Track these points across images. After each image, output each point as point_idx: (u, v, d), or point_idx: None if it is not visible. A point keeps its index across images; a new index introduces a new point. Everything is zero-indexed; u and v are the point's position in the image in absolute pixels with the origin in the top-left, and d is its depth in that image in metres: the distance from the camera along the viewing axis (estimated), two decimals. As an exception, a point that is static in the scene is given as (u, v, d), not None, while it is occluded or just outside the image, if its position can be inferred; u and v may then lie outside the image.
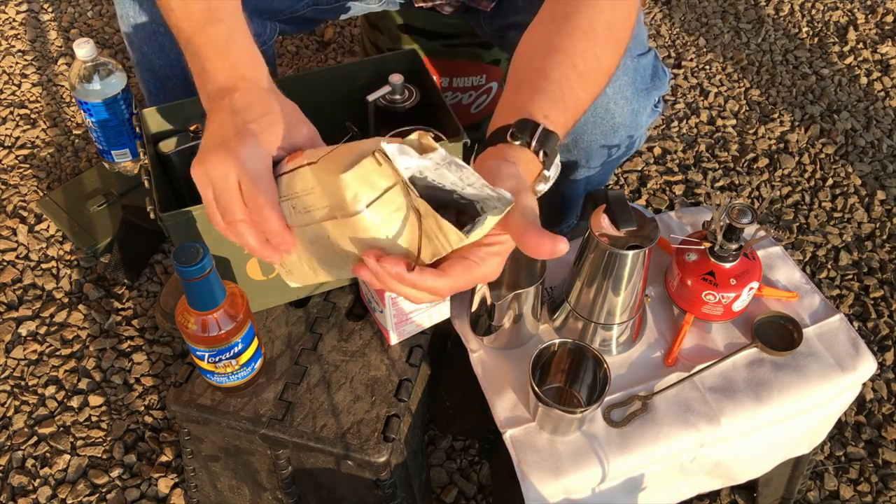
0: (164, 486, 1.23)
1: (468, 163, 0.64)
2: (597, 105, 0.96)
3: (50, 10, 2.07)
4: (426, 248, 0.63)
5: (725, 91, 1.88)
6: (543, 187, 0.71)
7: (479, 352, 0.98)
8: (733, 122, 1.81)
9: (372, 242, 0.63)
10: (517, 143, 0.69)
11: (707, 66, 1.94)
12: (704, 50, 1.99)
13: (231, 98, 0.70)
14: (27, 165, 1.68)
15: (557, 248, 0.61)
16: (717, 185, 1.68)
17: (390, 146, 0.61)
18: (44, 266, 1.50)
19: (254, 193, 0.66)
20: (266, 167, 0.67)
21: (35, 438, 1.28)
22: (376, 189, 0.62)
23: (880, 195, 1.66)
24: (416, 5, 1.17)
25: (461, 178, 0.63)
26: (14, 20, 2.04)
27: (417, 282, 0.61)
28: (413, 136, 0.63)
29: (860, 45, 2.00)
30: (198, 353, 0.86)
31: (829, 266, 1.54)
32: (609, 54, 0.77)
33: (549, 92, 0.72)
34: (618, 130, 1.00)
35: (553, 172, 0.72)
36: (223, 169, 0.66)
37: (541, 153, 0.69)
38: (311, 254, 0.70)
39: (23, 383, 1.34)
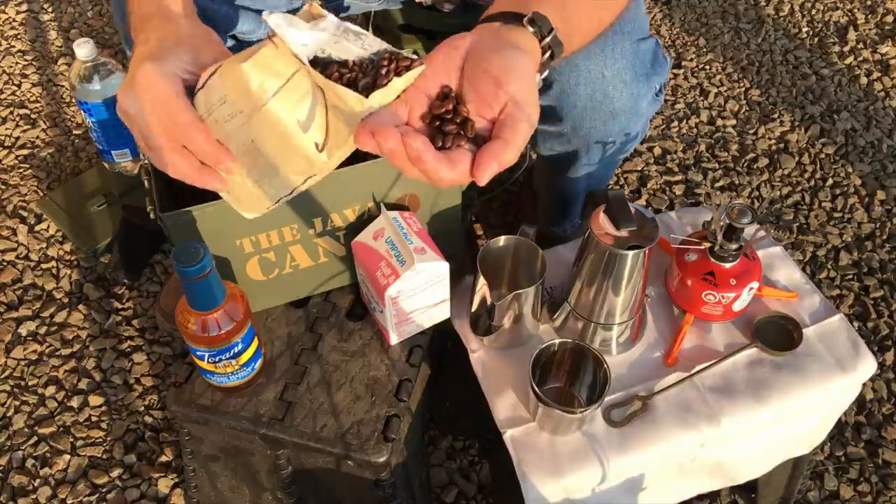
0: (164, 486, 1.23)
1: None
2: (595, 90, 0.95)
3: (50, 10, 2.07)
4: (334, 125, 0.60)
5: (725, 91, 1.88)
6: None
7: (479, 352, 0.98)
8: (733, 122, 1.81)
9: (285, 133, 0.61)
10: (532, 29, 0.64)
11: (707, 66, 1.94)
12: (704, 50, 1.99)
13: (145, 30, 0.70)
14: (27, 165, 1.68)
15: (479, 175, 0.57)
16: (717, 185, 1.68)
17: (273, 17, 0.58)
18: (44, 266, 1.50)
19: (171, 116, 0.65)
20: (174, 90, 0.65)
21: (35, 438, 1.28)
22: (281, 77, 0.60)
23: (880, 195, 1.66)
24: (417, 0, 1.17)
25: (363, 47, 0.60)
26: (14, 20, 2.04)
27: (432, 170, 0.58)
28: (303, 9, 0.61)
29: (860, 45, 2.00)
30: (198, 353, 0.86)
31: (829, 266, 1.54)
32: None
33: (556, 3, 0.68)
34: (617, 117, 0.98)
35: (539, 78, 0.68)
36: (134, 104, 0.66)
37: (547, 54, 0.65)
38: (248, 168, 0.67)
39: (23, 383, 1.34)
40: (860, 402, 1.33)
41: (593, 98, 0.96)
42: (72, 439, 1.28)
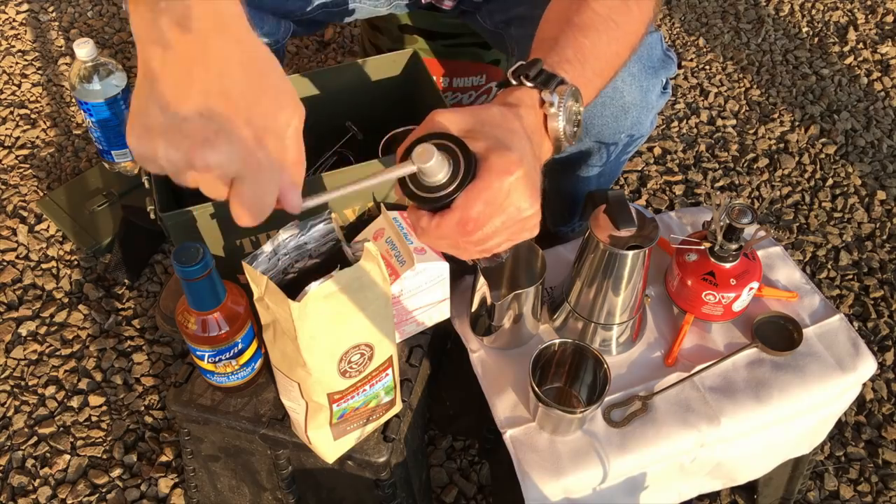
0: (164, 486, 1.23)
1: None
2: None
3: (50, 10, 2.07)
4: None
5: (725, 91, 1.88)
6: (559, 129, 0.69)
7: (479, 352, 0.98)
8: (733, 122, 1.81)
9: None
10: (514, 82, 0.69)
11: (707, 66, 1.94)
12: (704, 50, 1.99)
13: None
14: (27, 165, 1.68)
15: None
16: (717, 185, 1.68)
17: None
18: (44, 266, 1.50)
19: None
20: None
21: (35, 438, 1.28)
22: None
23: (880, 195, 1.66)
24: (423, 0, 1.17)
25: None
26: (14, 20, 2.04)
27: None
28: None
29: (860, 45, 2.00)
30: (198, 353, 0.86)
31: (829, 266, 1.54)
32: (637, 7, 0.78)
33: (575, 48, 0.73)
34: (628, 111, 0.98)
35: (565, 123, 0.69)
36: None
37: (543, 92, 0.68)
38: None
39: (23, 383, 1.34)
40: (860, 402, 1.33)
41: (603, 94, 0.95)
42: (72, 439, 1.28)
